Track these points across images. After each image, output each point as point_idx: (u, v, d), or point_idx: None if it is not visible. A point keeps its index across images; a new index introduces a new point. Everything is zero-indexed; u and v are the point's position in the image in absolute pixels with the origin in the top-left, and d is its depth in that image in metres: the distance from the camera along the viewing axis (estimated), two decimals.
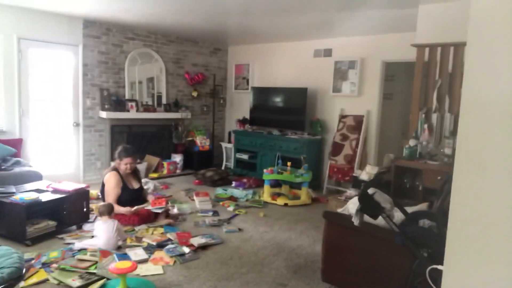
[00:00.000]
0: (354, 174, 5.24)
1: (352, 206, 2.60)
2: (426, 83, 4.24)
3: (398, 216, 2.47)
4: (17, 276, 2.19)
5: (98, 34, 5.92)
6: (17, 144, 5.00)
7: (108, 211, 3.63)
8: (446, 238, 1.99)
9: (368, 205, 2.18)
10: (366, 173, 4.64)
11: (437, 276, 1.72)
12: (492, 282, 1.06)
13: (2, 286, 2.00)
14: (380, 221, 2.32)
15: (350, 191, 4.65)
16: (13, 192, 3.73)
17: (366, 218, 2.34)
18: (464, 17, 3.91)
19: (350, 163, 5.82)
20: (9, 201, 3.54)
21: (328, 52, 6.34)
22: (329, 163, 6.09)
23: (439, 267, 1.61)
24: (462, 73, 3.90)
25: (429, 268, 1.77)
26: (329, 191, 6.10)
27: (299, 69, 6.74)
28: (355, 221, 2.28)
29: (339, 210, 2.86)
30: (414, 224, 2.36)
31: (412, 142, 4.08)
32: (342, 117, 6.13)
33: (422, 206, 2.89)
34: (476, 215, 1.08)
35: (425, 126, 4.14)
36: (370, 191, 2.25)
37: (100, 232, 3.47)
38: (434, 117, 4.15)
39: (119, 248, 3.47)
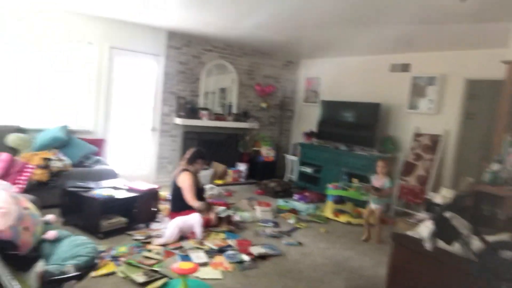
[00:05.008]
0: (427, 197, 4.90)
1: (425, 229, 2.43)
2: None
3: (476, 245, 2.25)
4: (92, 265, 2.33)
5: (179, 45, 6.28)
6: (99, 144, 5.43)
7: (207, 208, 4.16)
8: None
9: (444, 230, 2.01)
10: (441, 197, 4.31)
11: None
12: None
13: (77, 273, 2.14)
14: (456, 248, 2.13)
15: (422, 214, 4.34)
16: (92, 188, 4.04)
17: (440, 244, 2.16)
18: None
19: (423, 184, 5.46)
20: (88, 196, 3.83)
21: (405, 67, 6.07)
22: (399, 183, 5.77)
23: None
24: None
25: None
26: (396, 212, 5.77)
27: (372, 84, 6.52)
28: (428, 246, 2.12)
29: (409, 233, 2.68)
30: (495, 255, 2.13)
31: (495, 167, 3.72)
32: (417, 135, 5.80)
33: (504, 237, 2.61)
34: None
35: (511, 150, 3.76)
36: (447, 215, 2.08)
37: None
38: None
39: (181, 248, 3.59)
